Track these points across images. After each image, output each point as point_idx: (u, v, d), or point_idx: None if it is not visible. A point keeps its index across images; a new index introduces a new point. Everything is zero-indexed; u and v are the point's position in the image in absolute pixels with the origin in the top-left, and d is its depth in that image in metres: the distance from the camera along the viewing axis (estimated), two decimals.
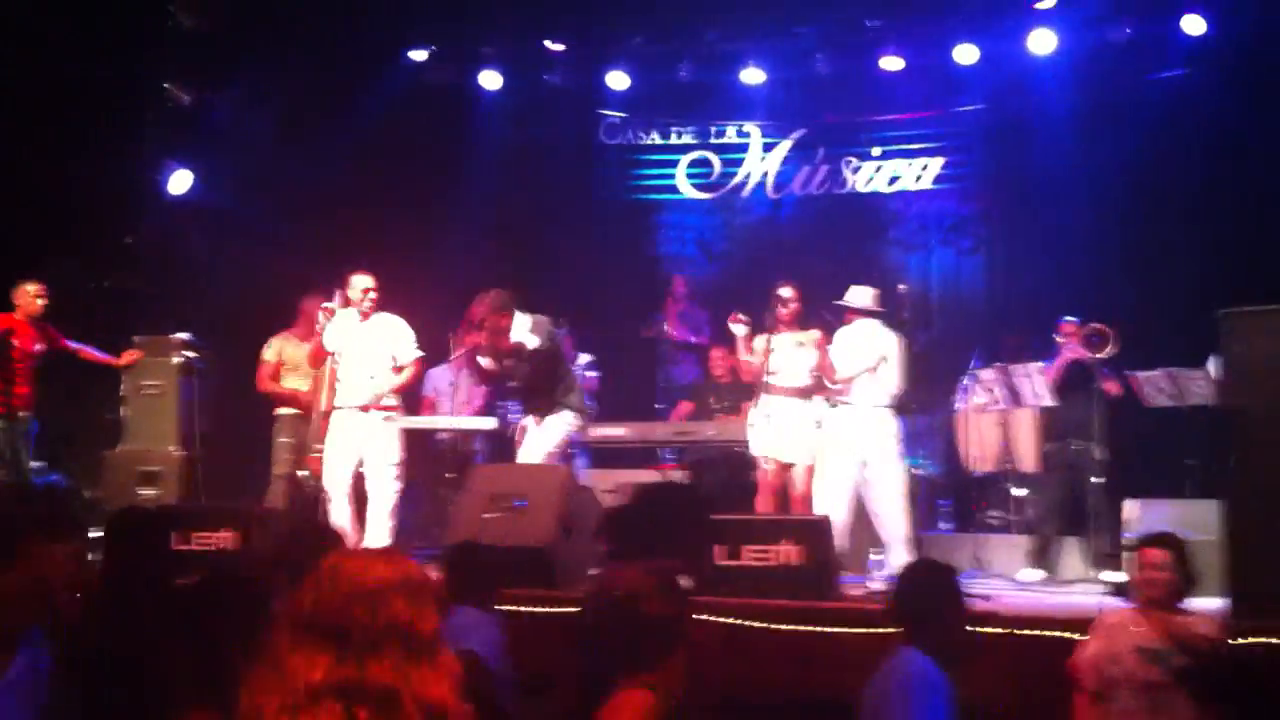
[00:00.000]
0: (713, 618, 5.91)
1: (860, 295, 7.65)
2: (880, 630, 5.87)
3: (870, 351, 7.46)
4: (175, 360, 9.00)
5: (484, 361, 8.02)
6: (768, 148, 11.75)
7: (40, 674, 3.16)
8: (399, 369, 8.00)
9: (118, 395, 9.00)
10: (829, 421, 7.53)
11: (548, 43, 11.05)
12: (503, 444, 9.24)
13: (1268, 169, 9.05)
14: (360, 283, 7.87)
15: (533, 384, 7.97)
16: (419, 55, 11.08)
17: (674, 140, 11.95)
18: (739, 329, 7.78)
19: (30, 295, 8.44)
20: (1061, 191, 10.15)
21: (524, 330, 7.81)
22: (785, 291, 7.67)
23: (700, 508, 6.70)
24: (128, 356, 8.94)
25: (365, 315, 7.89)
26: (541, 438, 7.84)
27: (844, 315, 7.66)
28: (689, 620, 3.15)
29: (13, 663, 3.10)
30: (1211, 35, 9.57)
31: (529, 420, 8.01)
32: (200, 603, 3.10)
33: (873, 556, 7.07)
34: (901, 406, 8.84)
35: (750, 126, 11.75)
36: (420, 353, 8.12)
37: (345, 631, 2.07)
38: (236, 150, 10.16)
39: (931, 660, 3.82)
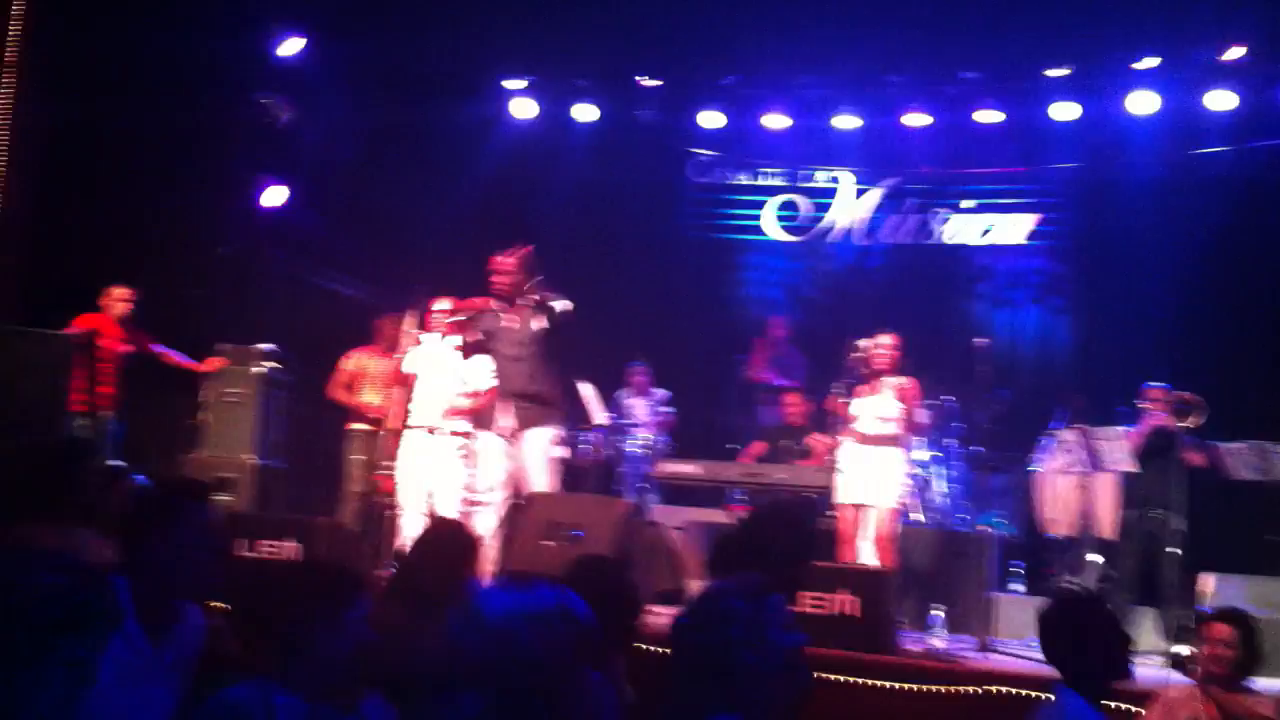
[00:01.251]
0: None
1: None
2: (935, 688, 5.79)
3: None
4: (256, 370, 9.16)
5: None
6: (858, 194, 11.71)
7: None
8: (473, 394, 8.05)
9: (198, 401, 9.18)
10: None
11: (641, 78, 11.11)
12: (572, 475, 9.26)
13: None
14: (441, 306, 7.97)
15: (526, 371, 7.68)
16: (513, 84, 11.21)
17: (762, 182, 11.95)
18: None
19: (117, 298, 8.70)
20: (1153, 255, 9.99)
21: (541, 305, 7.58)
22: (885, 339, 7.80)
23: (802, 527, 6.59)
24: (211, 363, 9.13)
25: (443, 338, 7.97)
26: (530, 458, 7.62)
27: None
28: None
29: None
30: None
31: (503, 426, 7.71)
32: None
33: (933, 613, 6.93)
34: (975, 463, 8.80)
35: (841, 172, 11.71)
36: (495, 381, 8.15)
37: None
38: (327, 171, 10.37)
39: (1089, 704, 3.55)
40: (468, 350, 7.84)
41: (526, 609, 2.36)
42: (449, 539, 4.61)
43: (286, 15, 9.58)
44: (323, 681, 2.93)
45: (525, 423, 7.60)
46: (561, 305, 7.62)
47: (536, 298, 7.61)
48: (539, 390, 7.66)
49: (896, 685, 5.83)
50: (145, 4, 9.10)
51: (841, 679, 5.92)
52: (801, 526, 3.96)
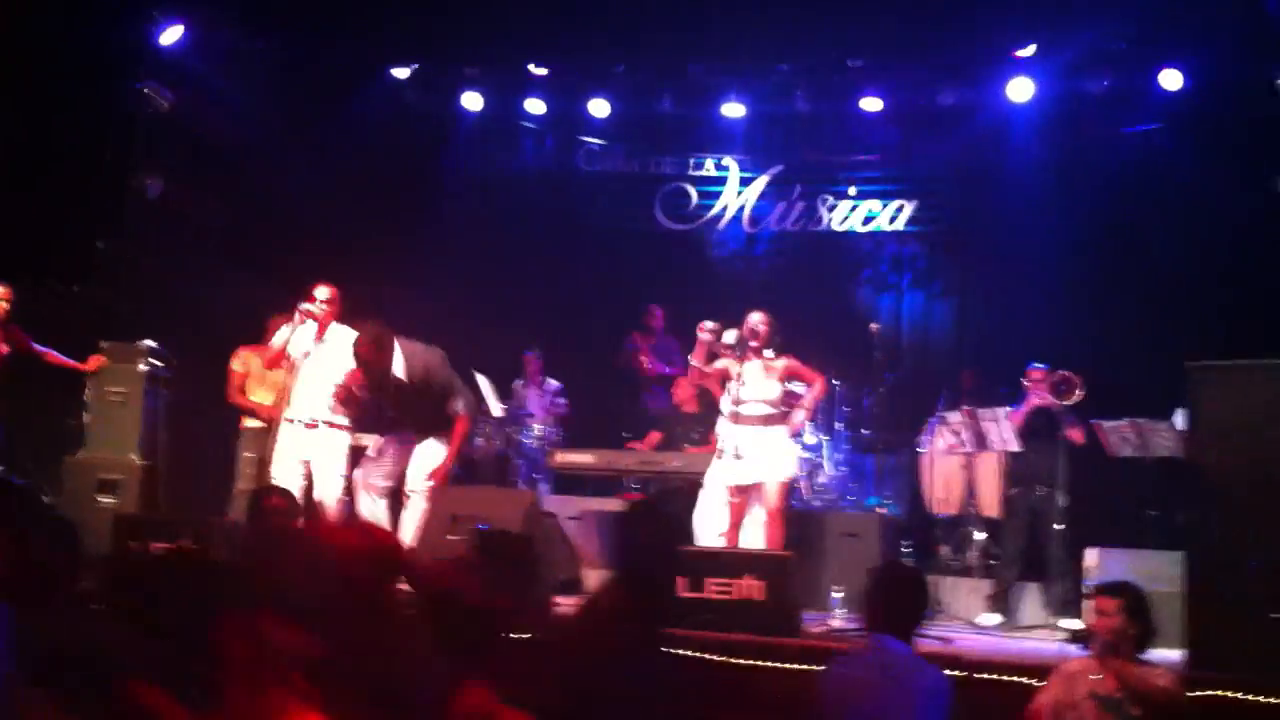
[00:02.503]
0: (675, 651, 5.89)
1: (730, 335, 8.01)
2: None
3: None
4: (140, 368, 8.88)
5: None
6: (745, 182, 11.83)
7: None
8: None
9: (80, 401, 8.89)
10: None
11: (531, 66, 11.06)
12: (465, 466, 9.21)
13: (1237, 223, 9.18)
14: (320, 294, 7.83)
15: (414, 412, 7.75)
16: (401, 73, 11.07)
17: (652, 170, 11.99)
18: (703, 335, 7.85)
19: None
20: (1033, 239, 10.24)
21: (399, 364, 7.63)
22: (755, 317, 7.76)
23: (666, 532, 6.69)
24: (94, 362, 8.84)
25: (322, 327, 7.85)
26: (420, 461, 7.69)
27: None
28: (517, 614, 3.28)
29: None
30: (1187, 90, 9.69)
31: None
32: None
33: (834, 594, 7.07)
34: (862, 445, 8.98)
35: (729, 160, 11.82)
36: None
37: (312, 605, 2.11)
38: (214, 162, 10.10)
39: (905, 644, 4.23)
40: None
41: None
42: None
43: (169, 2, 9.30)
44: None
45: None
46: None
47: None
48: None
49: (803, 667, 5.93)
50: None
51: (749, 663, 6.00)
52: (669, 526, 4.15)
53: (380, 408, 7.84)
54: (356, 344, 7.52)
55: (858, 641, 4.56)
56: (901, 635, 4.24)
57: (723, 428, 7.80)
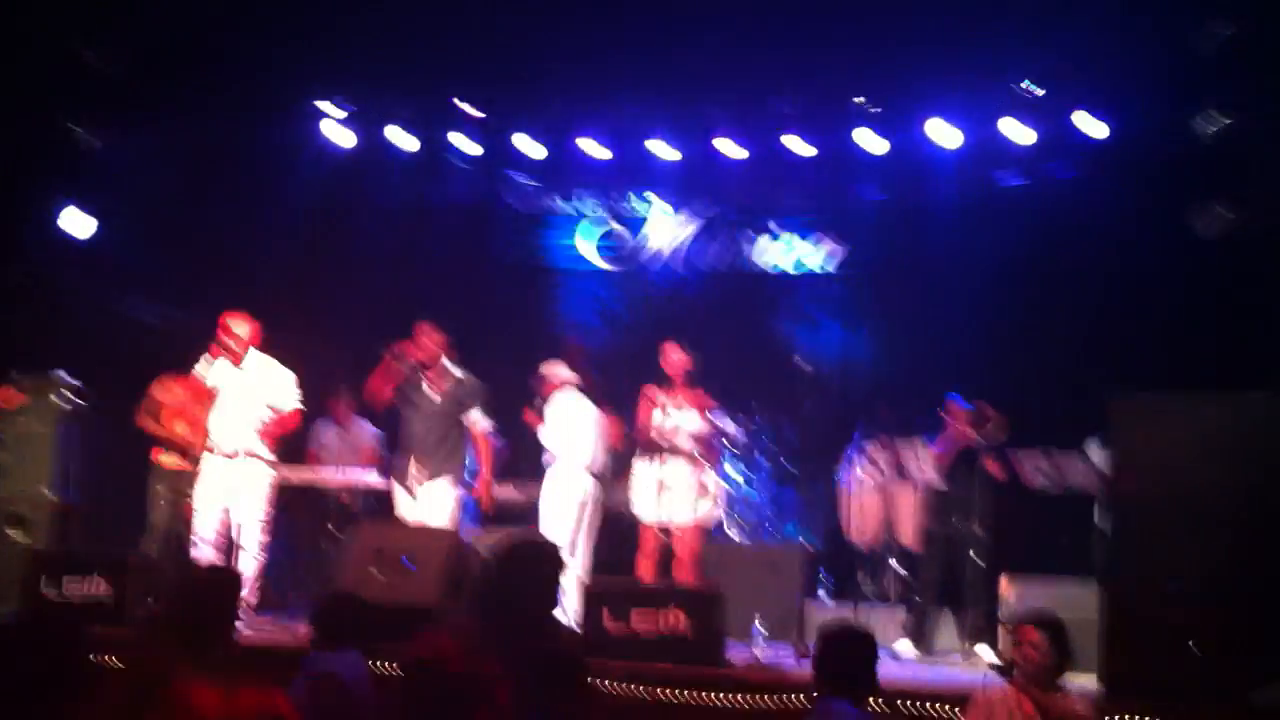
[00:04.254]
0: (600, 682, 5.91)
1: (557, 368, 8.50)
2: (764, 698, 5.97)
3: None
4: (54, 400, 8.72)
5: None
6: (672, 220, 11.90)
7: None
8: (277, 416, 7.88)
9: None
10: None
11: (457, 101, 11.05)
12: (389, 500, 9.14)
13: (1154, 258, 9.39)
14: (234, 325, 7.77)
15: (429, 432, 7.91)
16: (325, 106, 11.00)
17: (577, 205, 12.02)
18: (647, 397, 8.06)
19: None
20: (954, 274, 10.41)
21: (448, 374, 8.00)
22: (674, 352, 8.01)
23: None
24: (10, 398, 8.63)
25: (237, 359, 7.78)
26: (432, 510, 7.82)
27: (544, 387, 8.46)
28: (494, 680, 3.24)
29: None
30: (1106, 135, 9.92)
31: (411, 480, 7.92)
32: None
33: (756, 624, 7.12)
34: (783, 477, 9.11)
35: (653, 196, 11.89)
36: (299, 404, 8.01)
37: None
38: (135, 195, 9.93)
39: (859, 710, 4.15)
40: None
41: None
42: (208, 585, 4.47)
43: (92, 35, 9.16)
44: None
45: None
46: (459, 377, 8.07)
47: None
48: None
49: (728, 697, 5.99)
50: None
51: (675, 694, 6.04)
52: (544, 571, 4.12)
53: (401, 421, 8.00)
54: (423, 329, 7.87)
55: (798, 675, 4.52)
56: (852, 698, 4.16)
57: (642, 462, 7.91)
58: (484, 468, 8.04)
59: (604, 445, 8.38)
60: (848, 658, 4.27)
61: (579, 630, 6.63)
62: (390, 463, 9.08)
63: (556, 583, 4.13)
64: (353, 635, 5.01)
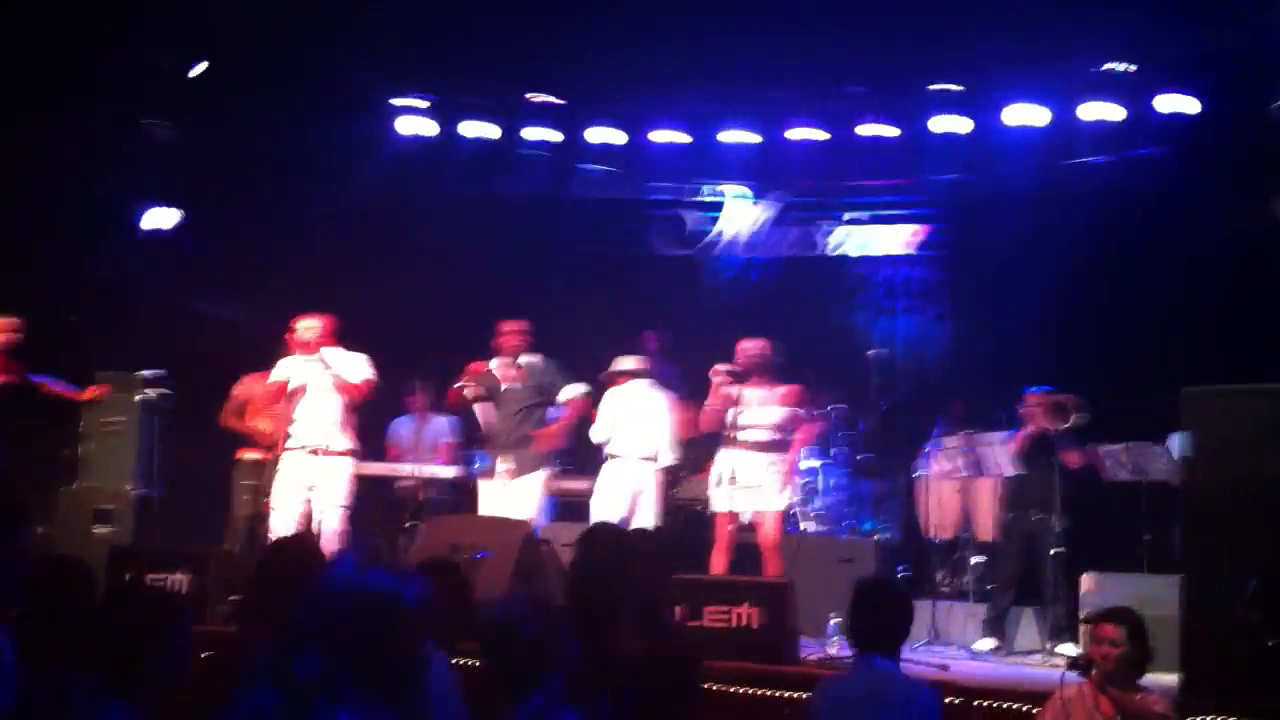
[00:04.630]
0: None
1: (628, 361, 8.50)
2: None
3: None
4: (138, 397, 8.90)
5: (468, 391, 8.18)
6: (743, 208, 11.84)
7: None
8: (351, 387, 7.96)
9: (74, 431, 8.89)
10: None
11: (531, 94, 11.09)
12: (465, 494, 9.22)
13: (1236, 247, 9.17)
14: (310, 323, 7.89)
15: (510, 423, 7.98)
16: (401, 102, 11.09)
17: (649, 197, 12.01)
18: (718, 379, 7.95)
19: (3, 329, 8.30)
20: (1031, 262, 10.22)
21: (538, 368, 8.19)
22: (749, 345, 7.93)
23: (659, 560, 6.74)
24: (93, 392, 8.83)
25: (311, 351, 7.88)
26: (521, 502, 7.91)
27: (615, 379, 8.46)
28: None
29: None
30: (1187, 116, 9.67)
31: (500, 472, 7.95)
32: None
33: (832, 621, 7.06)
34: (859, 469, 9.03)
35: (726, 186, 11.83)
36: (372, 373, 8.10)
37: None
38: (213, 191, 10.12)
39: (894, 663, 4.19)
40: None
41: (360, 587, 2.66)
42: (293, 556, 4.48)
43: (167, 30, 9.32)
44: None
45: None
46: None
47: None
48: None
49: (800, 695, 5.93)
50: (12, 22, 8.78)
51: (745, 691, 6.01)
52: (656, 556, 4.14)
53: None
54: (507, 327, 8.07)
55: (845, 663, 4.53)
56: (888, 652, 4.19)
57: (721, 454, 7.88)
58: (569, 413, 8.22)
59: (675, 437, 8.36)
60: (885, 611, 4.28)
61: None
62: (468, 457, 9.17)
63: (665, 576, 4.11)
64: None
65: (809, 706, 4.33)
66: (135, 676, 3.07)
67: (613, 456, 8.31)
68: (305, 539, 6.14)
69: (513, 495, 7.98)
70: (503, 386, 8.20)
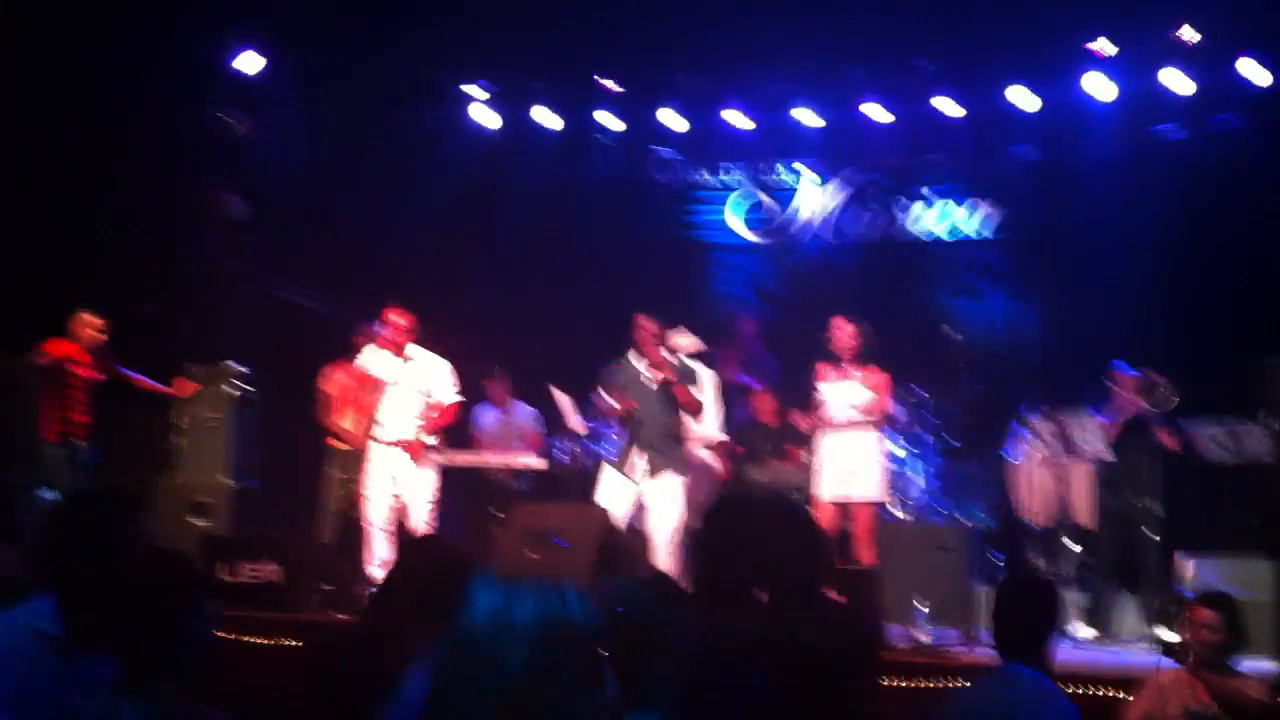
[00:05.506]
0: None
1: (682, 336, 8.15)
2: (924, 682, 5.83)
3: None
4: (228, 390, 9.07)
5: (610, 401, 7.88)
6: (820, 188, 11.74)
7: None
8: (437, 409, 8.04)
9: (168, 423, 9.07)
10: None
11: (600, 79, 11.09)
12: (550, 483, 9.26)
13: None
14: (394, 318, 7.94)
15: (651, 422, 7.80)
16: (472, 89, 11.15)
17: (725, 178, 11.95)
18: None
19: (88, 325, 8.45)
20: (1114, 238, 10.02)
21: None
22: (845, 326, 7.88)
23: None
24: (185, 387, 9.01)
25: (399, 351, 7.95)
26: (665, 507, 7.67)
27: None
28: None
29: None
30: (1268, 85, 9.42)
31: (641, 466, 7.75)
32: None
33: (917, 607, 6.96)
34: (947, 453, 8.87)
35: (801, 166, 11.74)
36: (459, 397, 8.18)
37: None
38: (288, 182, 10.26)
39: (1045, 676, 3.76)
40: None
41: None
42: (435, 558, 4.49)
43: (242, 27, 9.49)
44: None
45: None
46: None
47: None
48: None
49: (885, 681, 5.86)
50: (92, 21, 8.98)
51: None
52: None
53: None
54: (643, 326, 7.70)
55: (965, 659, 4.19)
56: (1034, 660, 3.79)
57: (820, 439, 7.82)
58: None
59: (721, 416, 8.25)
60: (1031, 613, 3.90)
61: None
62: (549, 446, 9.21)
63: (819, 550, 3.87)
64: None
65: (945, 712, 3.97)
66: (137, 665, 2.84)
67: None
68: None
69: (652, 492, 7.75)
70: (650, 383, 7.86)
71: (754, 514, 3.80)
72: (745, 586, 3.63)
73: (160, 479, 8.95)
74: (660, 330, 7.81)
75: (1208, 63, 9.56)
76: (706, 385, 8.04)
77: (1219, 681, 4.59)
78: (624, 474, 7.73)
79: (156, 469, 9.03)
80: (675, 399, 7.71)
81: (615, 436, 9.81)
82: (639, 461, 7.71)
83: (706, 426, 8.10)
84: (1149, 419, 7.87)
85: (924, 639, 6.78)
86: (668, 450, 7.71)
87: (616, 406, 7.72)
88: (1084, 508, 8.65)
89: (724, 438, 8.32)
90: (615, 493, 7.71)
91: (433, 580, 4.00)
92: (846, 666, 3.43)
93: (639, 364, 7.80)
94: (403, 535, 7.77)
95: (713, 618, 3.34)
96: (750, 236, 11.98)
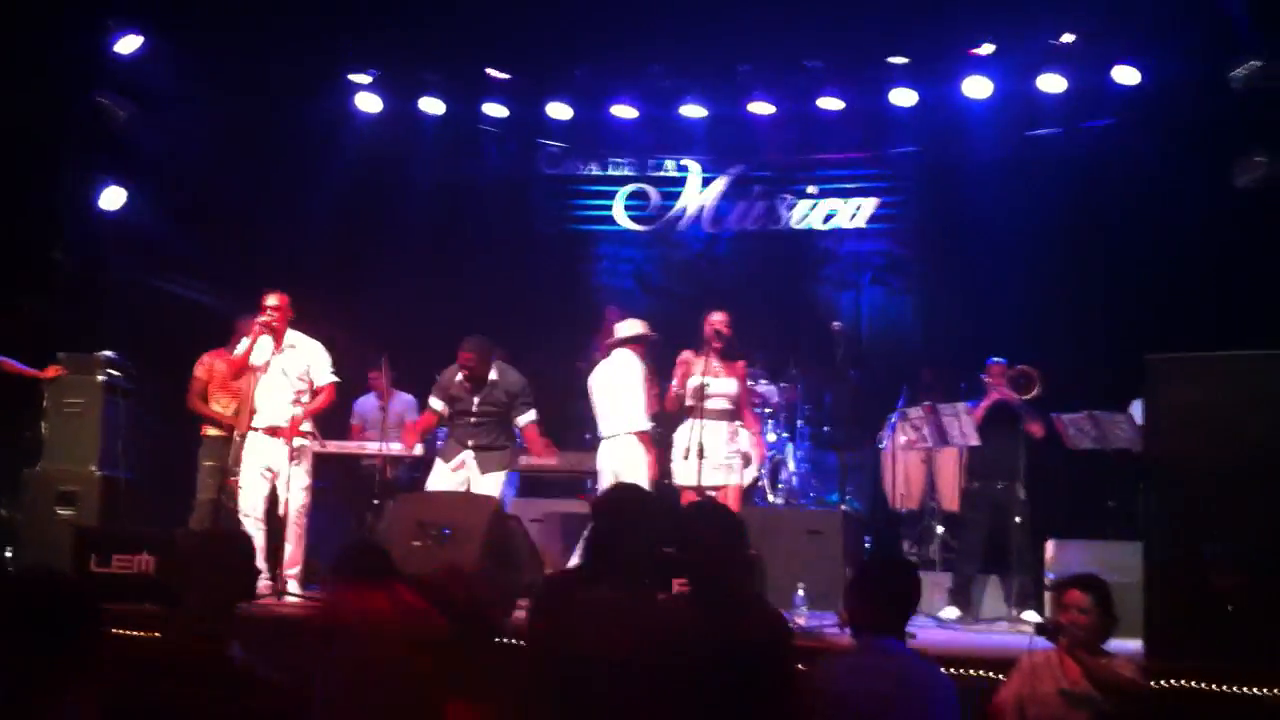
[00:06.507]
0: None
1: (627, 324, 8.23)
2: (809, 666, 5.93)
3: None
4: (99, 379, 8.80)
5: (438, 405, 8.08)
6: (706, 182, 11.86)
7: None
8: (314, 392, 7.96)
9: (38, 412, 8.79)
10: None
11: (489, 70, 11.02)
12: (428, 471, 9.19)
13: (1196, 216, 9.23)
14: (271, 302, 7.82)
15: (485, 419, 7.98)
16: (359, 79, 10.99)
17: (612, 172, 11.99)
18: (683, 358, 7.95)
19: None
20: (992, 234, 10.26)
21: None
22: (718, 316, 7.94)
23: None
24: (52, 371, 8.75)
25: (276, 335, 7.83)
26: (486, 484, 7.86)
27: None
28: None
29: None
30: (1142, 86, 9.74)
31: (468, 455, 7.94)
32: None
33: (799, 592, 7.10)
34: (825, 442, 9.02)
35: (689, 161, 11.84)
36: (335, 378, 8.09)
37: None
38: (168, 171, 9.99)
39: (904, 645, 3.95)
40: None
41: None
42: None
43: (124, 11, 9.20)
44: None
45: None
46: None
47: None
48: None
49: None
50: None
51: None
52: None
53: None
54: (463, 353, 7.88)
55: (843, 642, 4.24)
56: (898, 634, 4.00)
57: (683, 427, 7.88)
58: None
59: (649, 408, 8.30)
60: (895, 589, 4.09)
61: None
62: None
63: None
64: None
65: (814, 684, 3.97)
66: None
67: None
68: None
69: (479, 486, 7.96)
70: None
71: (657, 506, 3.88)
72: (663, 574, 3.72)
73: (26, 469, 8.66)
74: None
75: (1082, 65, 9.83)
76: (635, 374, 8.06)
77: (1092, 661, 4.71)
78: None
79: (24, 458, 8.73)
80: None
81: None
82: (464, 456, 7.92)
83: (635, 417, 8.09)
84: (1017, 407, 8.11)
85: (802, 622, 6.90)
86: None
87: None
88: (952, 493, 8.91)
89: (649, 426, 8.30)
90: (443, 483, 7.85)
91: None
92: (775, 654, 3.59)
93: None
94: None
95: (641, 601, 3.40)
96: (634, 227, 12.04)
